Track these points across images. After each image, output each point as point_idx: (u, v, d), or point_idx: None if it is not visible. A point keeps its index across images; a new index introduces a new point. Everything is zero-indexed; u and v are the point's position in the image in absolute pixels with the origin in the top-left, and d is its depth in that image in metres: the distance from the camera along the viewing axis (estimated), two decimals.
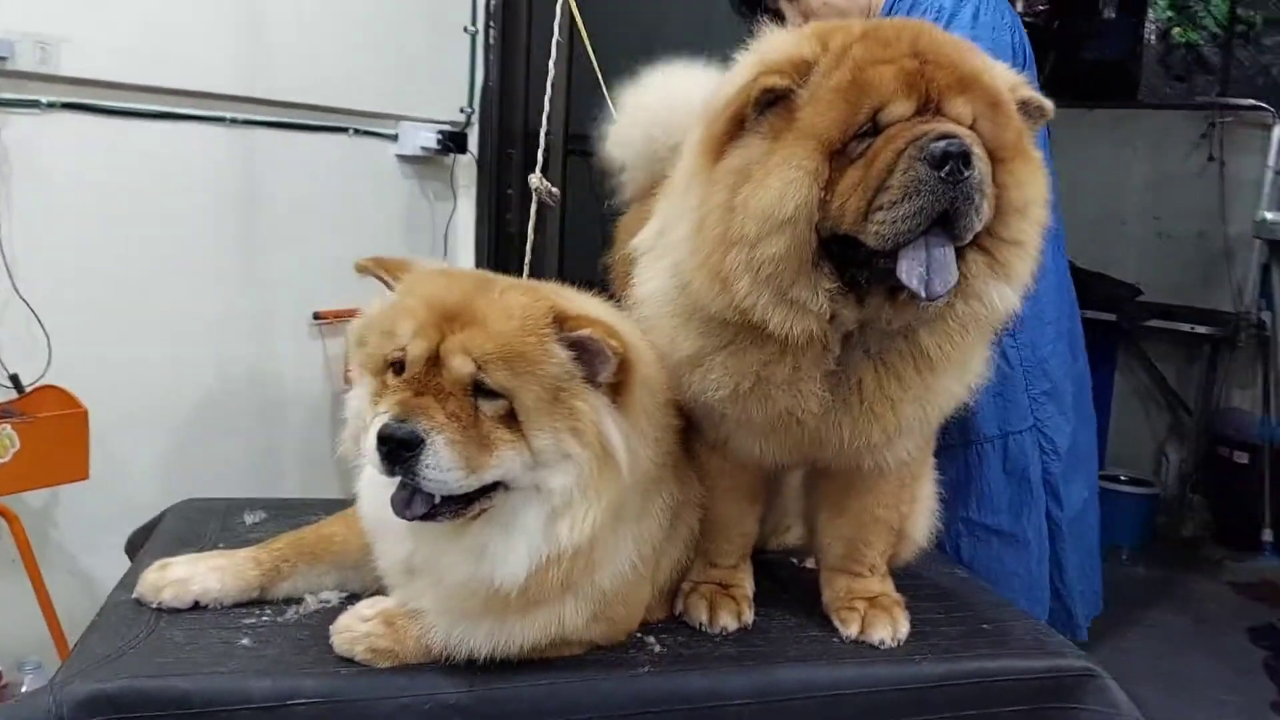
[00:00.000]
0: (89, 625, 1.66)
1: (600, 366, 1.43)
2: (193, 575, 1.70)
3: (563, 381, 1.41)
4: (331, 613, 1.72)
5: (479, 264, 4.15)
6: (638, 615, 1.71)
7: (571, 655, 1.61)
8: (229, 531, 2.07)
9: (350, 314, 3.54)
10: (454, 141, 3.88)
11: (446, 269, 1.64)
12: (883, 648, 1.74)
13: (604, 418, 1.44)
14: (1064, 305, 2.53)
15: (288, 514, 2.19)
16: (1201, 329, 5.56)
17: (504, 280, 1.55)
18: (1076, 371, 2.57)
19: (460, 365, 1.37)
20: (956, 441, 2.34)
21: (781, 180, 1.43)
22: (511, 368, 1.38)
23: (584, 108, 3.96)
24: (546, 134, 2.51)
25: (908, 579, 1.96)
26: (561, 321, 1.42)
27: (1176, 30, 6.82)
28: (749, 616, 1.79)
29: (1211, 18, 6.83)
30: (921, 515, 1.90)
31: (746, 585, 1.84)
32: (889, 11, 2.39)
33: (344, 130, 3.64)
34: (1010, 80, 1.54)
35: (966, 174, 1.38)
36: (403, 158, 3.84)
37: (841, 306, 1.49)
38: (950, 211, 1.40)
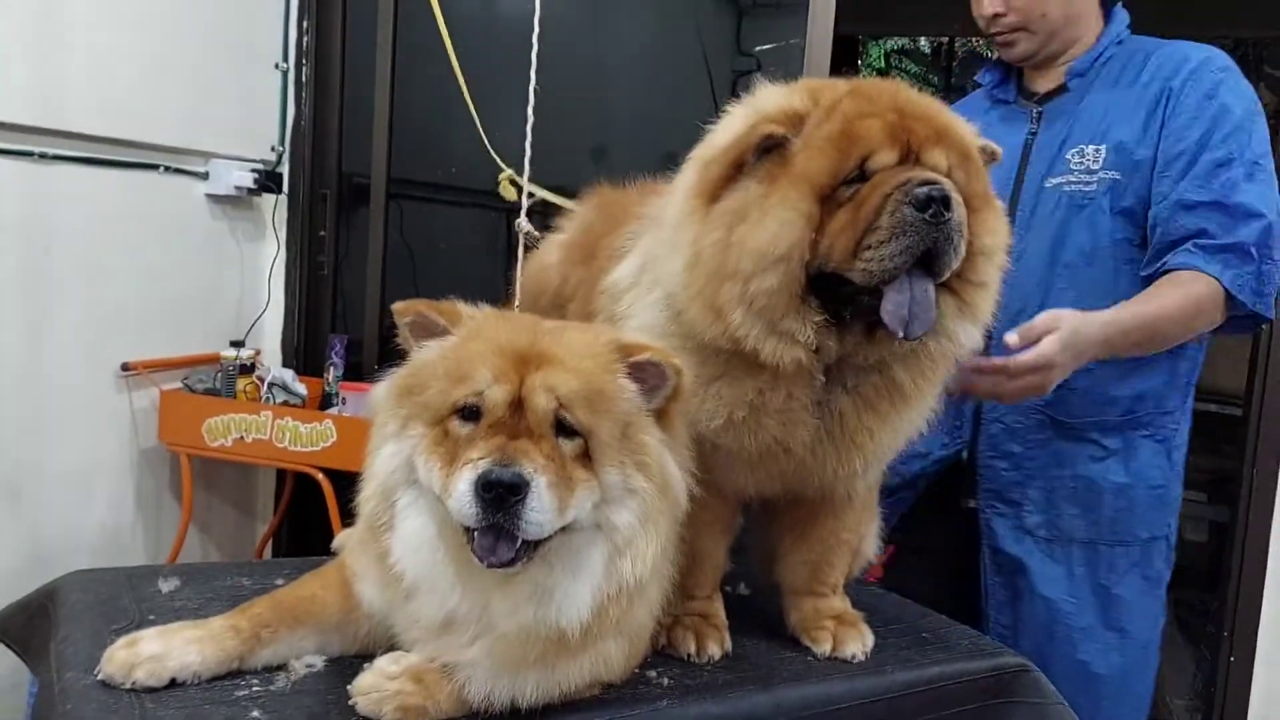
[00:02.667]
0: (55, 717, 1.48)
1: (659, 390, 1.48)
2: (168, 650, 1.55)
3: (631, 416, 1.45)
4: (322, 677, 1.64)
5: (290, 307, 3.97)
6: (645, 650, 1.74)
7: (592, 695, 1.62)
8: (148, 602, 1.89)
9: (166, 364, 3.38)
10: (272, 181, 3.70)
11: (500, 312, 1.62)
12: (854, 661, 1.87)
13: (664, 450, 1.49)
14: None
15: (201, 578, 2.05)
16: None
17: (553, 322, 1.56)
18: None
19: (545, 404, 1.37)
20: (1103, 538, 2.32)
21: (777, 220, 1.56)
22: (591, 406, 1.40)
23: (404, 151, 3.95)
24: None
25: None
26: (623, 351, 1.47)
27: None
28: (729, 643, 1.87)
29: None
30: (871, 534, 2.05)
31: (722, 614, 1.91)
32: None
33: (153, 168, 3.37)
34: (973, 133, 1.73)
35: (948, 216, 1.55)
36: (213, 197, 3.61)
37: (825, 339, 1.62)
38: (932, 250, 1.56)
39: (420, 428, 1.44)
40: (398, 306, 1.52)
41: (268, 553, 3.99)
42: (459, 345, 1.46)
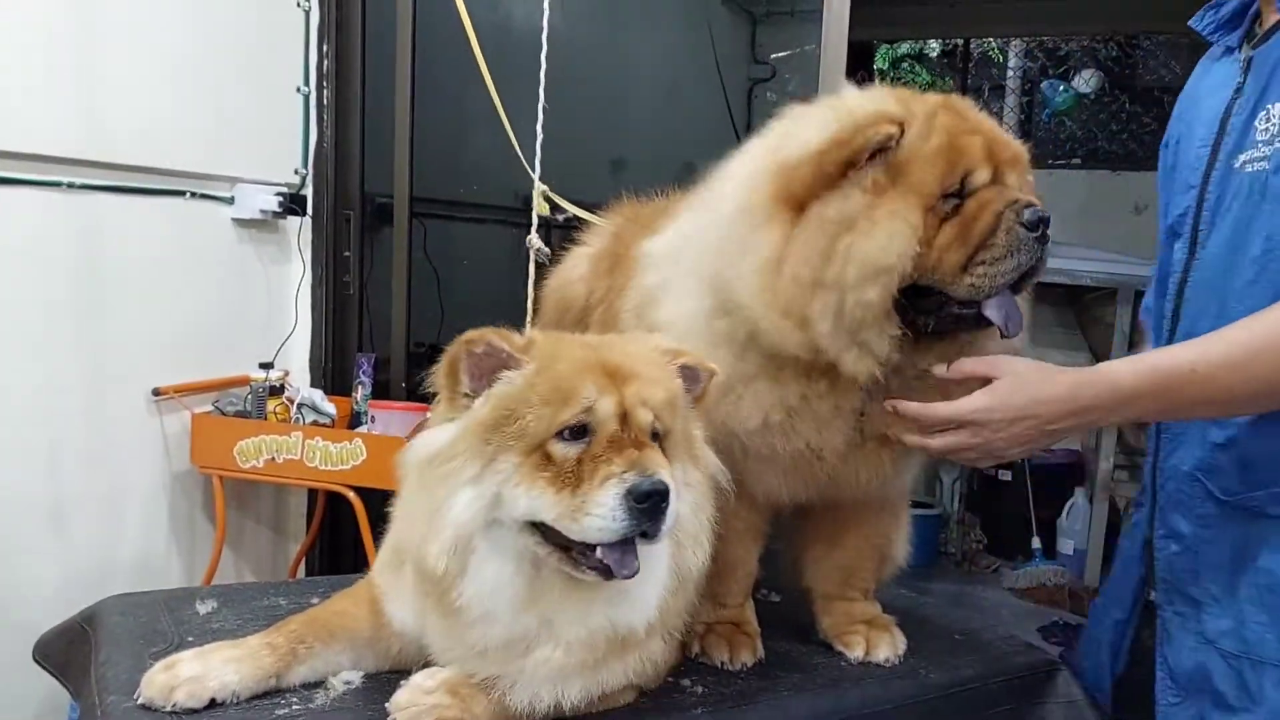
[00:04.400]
0: None
1: (694, 390, 1.55)
2: (206, 671, 1.57)
3: (686, 413, 1.53)
4: (360, 694, 1.66)
5: (317, 328, 4.01)
6: (678, 652, 1.76)
7: (628, 705, 1.64)
8: (186, 624, 1.92)
9: (196, 388, 3.42)
10: (296, 204, 3.74)
11: (556, 334, 1.60)
12: (888, 665, 1.88)
13: (704, 441, 1.56)
14: None
15: (237, 599, 2.07)
16: None
17: (593, 337, 1.61)
18: None
19: (645, 416, 1.44)
20: (1231, 506, 1.70)
21: (888, 232, 1.56)
22: (672, 411, 1.48)
23: (426, 170, 3.99)
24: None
25: None
26: (671, 355, 1.54)
27: None
28: (761, 651, 1.88)
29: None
30: (902, 538, 2.05)
31: (754, 622, 1.93)
32: None
33: (180, 194, 3.42)
34: None
35: (1049, 236, 1.61)
36: (239, 221, 3.66)
37: (893, 351, 1.63)
38: (1033, 268, 1.61)
39: (514, 458, 1.42)
40: (471, 336, 1.46)
41: (301, 572, 4.02)
42: (545, 370, 1.45)
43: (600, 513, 1.36)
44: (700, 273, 1.71)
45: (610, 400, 1.42)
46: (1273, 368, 1.51)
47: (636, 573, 1.40)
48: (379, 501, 1.68)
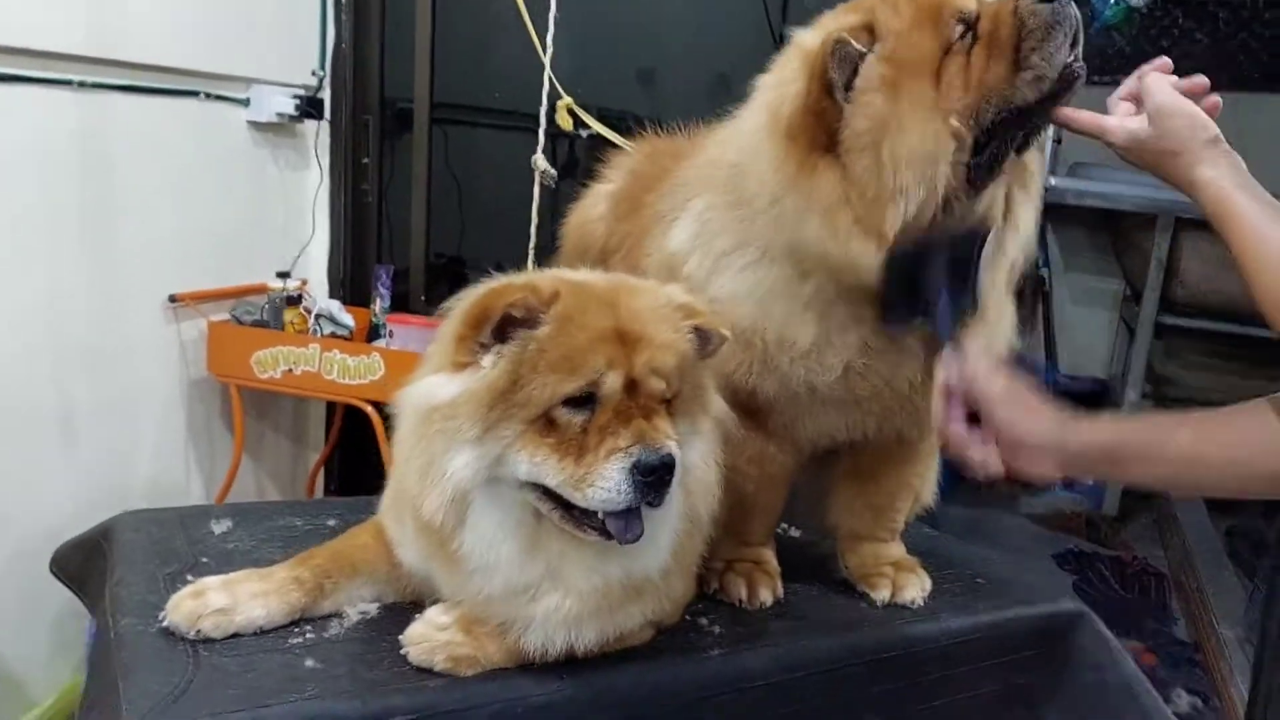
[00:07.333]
0: (112, 663, 1.50)
1: (707, 348, 1.52)
2: (235, 604, 1.55)
3: (695, 366, 1.50)
4: (375, 624, 1.65)
5: (335, 237, 3.94)
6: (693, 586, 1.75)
7: (644, 644, 1.62)
8: (200, 544, 1.91)
9: (213, 295, 3.37)
10: (314, 107, 3.64)
11: (582, 284, 1.49)
12: (913, 607, 1.85)
13: (712, 388, 1.55)
14: None
15: (253, 518, 2.06)
16: None
17: (615, 281, 1.54)
18: None
19: (657, 385, 1.40)
20: None
21: (917, 122, 1.50)
22: (681, 372, 1.45)
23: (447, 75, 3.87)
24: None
25: None
26: (686, 312, 1.48)
27: None
28: (781, 590, 1.86)
29: None
30: (932, 476, 2.02)
31: (774, 561, 1.90)
32: None
33: (193, 94, 3.32)
34: None
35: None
36: (255, 124, 3.56)
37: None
38: (1079, 32, 1.54)
39: (516, 426, 1.38)
40: (514, 298, 1.37)
41: (320, 483, 4.03)
42: (557, 335, 1.38)
43: (605, 485, 1.34)
44: (762, 246, 1.65)
45: (618, 374, 1.38)
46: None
47: (639, 538, 1.38)
48: None
